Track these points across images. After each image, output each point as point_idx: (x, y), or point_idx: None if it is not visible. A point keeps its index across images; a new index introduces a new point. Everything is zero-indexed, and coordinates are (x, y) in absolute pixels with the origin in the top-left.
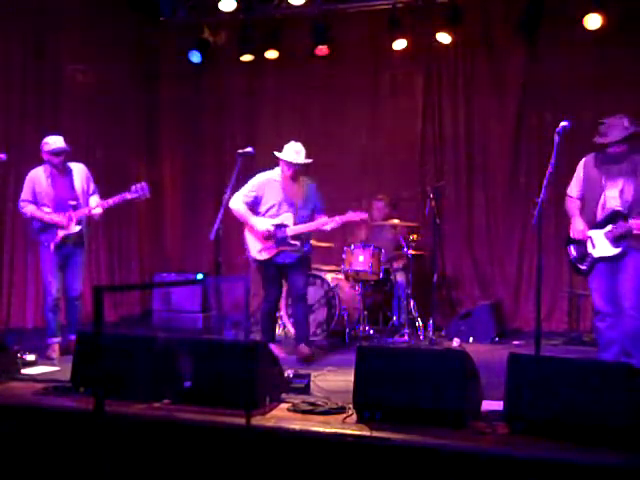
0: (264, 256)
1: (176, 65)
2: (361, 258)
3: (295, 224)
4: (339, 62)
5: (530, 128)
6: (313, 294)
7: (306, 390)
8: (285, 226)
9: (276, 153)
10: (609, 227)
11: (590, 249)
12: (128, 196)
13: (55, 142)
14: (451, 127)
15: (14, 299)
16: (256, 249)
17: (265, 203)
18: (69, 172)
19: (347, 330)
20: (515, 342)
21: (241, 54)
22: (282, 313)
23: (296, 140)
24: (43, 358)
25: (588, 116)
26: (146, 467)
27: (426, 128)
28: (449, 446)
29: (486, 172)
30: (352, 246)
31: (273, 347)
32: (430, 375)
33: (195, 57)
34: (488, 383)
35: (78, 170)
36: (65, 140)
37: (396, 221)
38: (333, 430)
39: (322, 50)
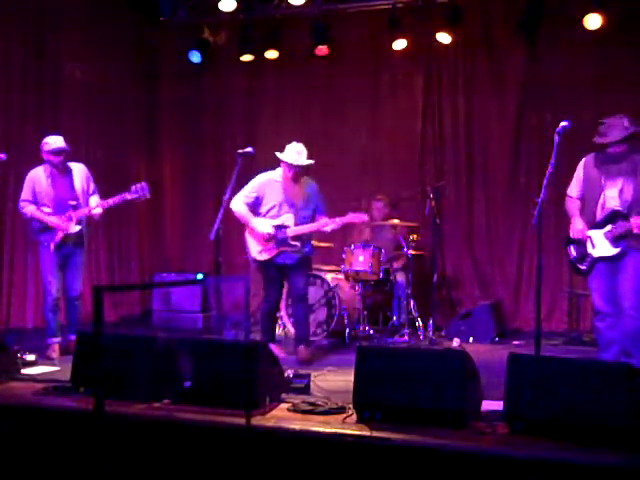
0: (264, 257)
1: (176, 65)
2: (361, 258)
3: (296, 225)
4: (339, 62)
5: (530, 128)
6: (313, 294)
7: (306, 390)
8: (286, 227)
9: (277, 154)
10: (609, 227)
11: (590, 249)
12: (128, 196)
13: (55, 142)
14: (451, 127)
15: (14, 299)
16: (256, 250)
17: (266, 204)
18: (69, 172)
19: (347, 330)
20: (515, 342)
21: (241, 54)
22: (282, 313)
23: (296, 140)
24: (43, 358)
25: (588, 116)
26: (146, 467)
27: (426, 128)
28: (449, 446)
29: (486, 172)
30: (352, 246)
31: (273, 347)
32: (430, 375)
33: (195, 57)
34: (488, 383)
35: (78, 170)
36: (65, 140)
37: (396, 221)
38: (333, 430)
39: (322, 50)
